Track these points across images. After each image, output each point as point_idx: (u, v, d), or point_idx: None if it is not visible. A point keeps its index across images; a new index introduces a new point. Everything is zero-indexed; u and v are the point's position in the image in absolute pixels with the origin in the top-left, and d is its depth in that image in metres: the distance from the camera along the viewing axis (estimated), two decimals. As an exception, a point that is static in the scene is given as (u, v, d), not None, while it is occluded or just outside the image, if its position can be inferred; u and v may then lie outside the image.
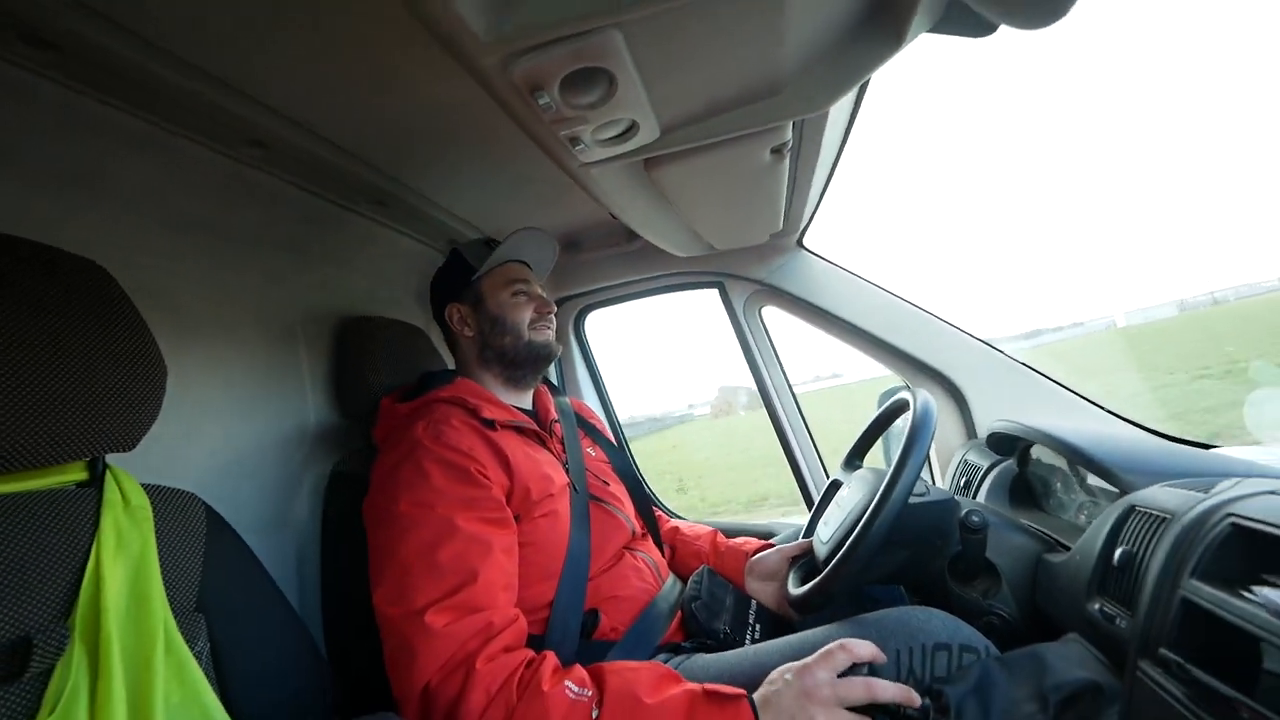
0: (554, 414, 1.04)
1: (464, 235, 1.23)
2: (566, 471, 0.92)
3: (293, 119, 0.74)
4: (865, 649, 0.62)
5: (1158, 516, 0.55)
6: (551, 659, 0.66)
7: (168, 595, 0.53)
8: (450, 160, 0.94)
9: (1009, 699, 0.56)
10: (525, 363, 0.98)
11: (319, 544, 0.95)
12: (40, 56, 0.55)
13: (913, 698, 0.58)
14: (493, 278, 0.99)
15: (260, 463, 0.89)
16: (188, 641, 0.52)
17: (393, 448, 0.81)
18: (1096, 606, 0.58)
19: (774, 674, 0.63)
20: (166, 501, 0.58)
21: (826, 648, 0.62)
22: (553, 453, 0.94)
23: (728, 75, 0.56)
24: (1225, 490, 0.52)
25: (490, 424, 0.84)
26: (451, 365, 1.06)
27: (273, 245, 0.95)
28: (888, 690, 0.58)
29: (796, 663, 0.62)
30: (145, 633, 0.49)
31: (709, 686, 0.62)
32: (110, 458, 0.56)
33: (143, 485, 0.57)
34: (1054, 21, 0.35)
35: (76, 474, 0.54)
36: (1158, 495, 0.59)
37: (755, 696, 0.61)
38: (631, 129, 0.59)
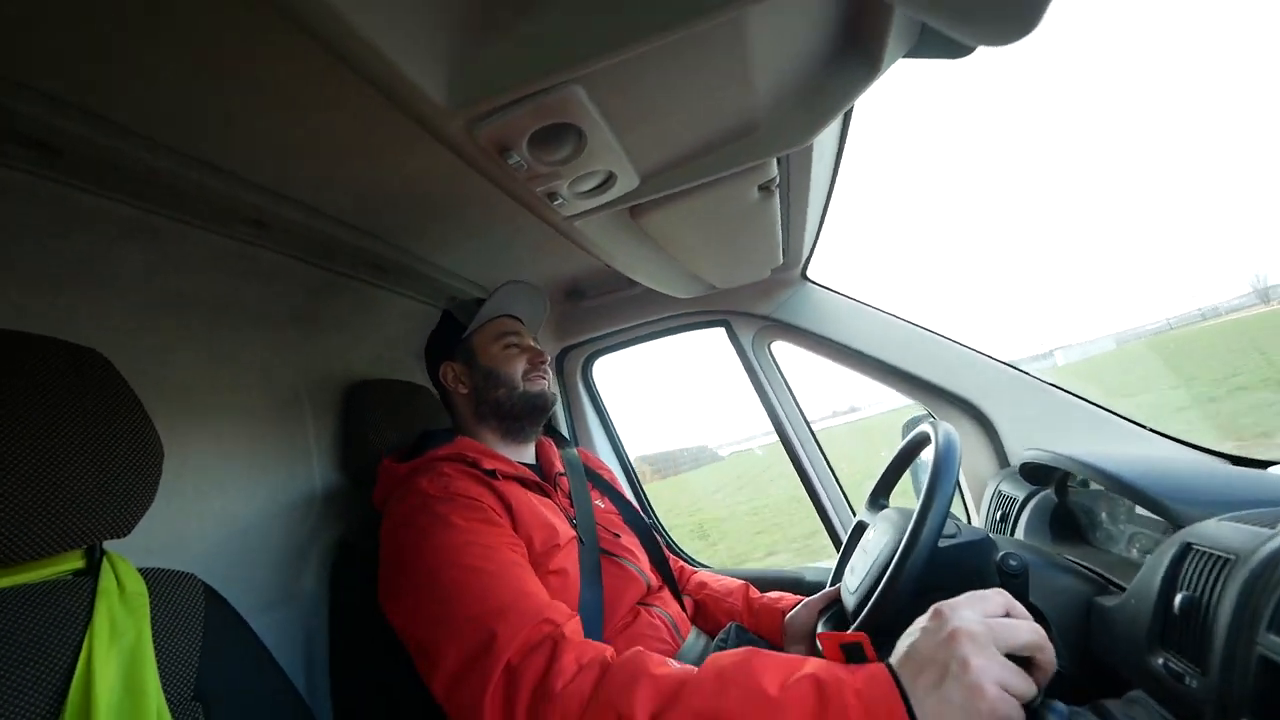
0: (559, 467, 1.01)
1: (464, 292, 1.24)
2: (573, 525, 0.89)
3: (287, 196, 0.76)
4: (1020, 608, 0.50)
5: (1220, 558, 0.49)
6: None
7: (163, 684, 0.51)
8: (445, 222, 0.95)
9: None
10: (522, 414, 0.96)
11: (327, 618, 0.92)
12: (39, 159, 0.57)
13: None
14: (483, 333, 0.99)
15: (266, 536, 0.87)
16: None
17: (398, 504, 0.79)
18: (1161, 662, 0.51)
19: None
20: (163, 585, 0.57)
21: (979, 592, 0.50)
22: (559, 506, 0.91)
23: (700, 119, 0.56)
24: (1295, 523, 0.46)
25: (492, 474, 0.83)
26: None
27: (274, 318, 0.96)
28: (1050, 652, 0.46)
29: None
30: None
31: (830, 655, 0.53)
32: (111, 544, 0.55)
33: (140, 570, 0.57)
34: (1026, 34, 0.33)
35: (73, 563, 0.53)
36: (1217, 531, 0.53)
37: (892, 660, 0.50)
38: (609, 180, 0.59)
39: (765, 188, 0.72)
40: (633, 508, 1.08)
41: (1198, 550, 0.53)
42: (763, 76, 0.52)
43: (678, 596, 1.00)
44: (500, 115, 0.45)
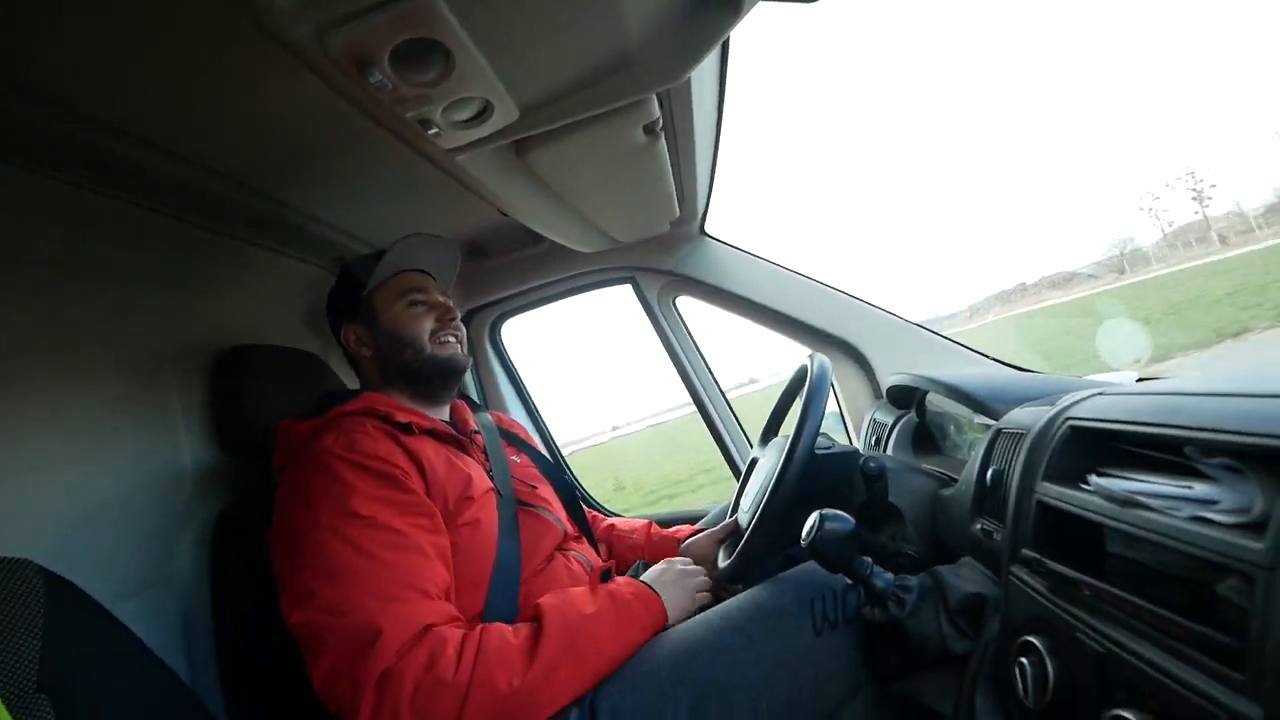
0: (474, 425, 1.00)
1: (356, 251, 1.17)
2: (491, 477, 0.89)
3: (137, 135, 0.66)
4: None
5: (1017, 434, 0.60)
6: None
7: None
8: (325, 168, 0.88)
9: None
10: (432, 378, 0.92)
11: (210, 601, 0.86)
12: None
13: None
14: (385, 291, 0.93)
15: (124, 518, 0.79)
16: None
17: (298, 464, 0.74)
18: (978, 527, 0.62)
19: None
20: None
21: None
22: (474, 460, 0.90)
23: (574, 49, 0.56)
24: (1066, 400, 0.56)
25: (407, 428, 0.79)
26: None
27: (129, 279, 0.85)
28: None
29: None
30: None
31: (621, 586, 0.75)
32: None
33: None
34: None
35: None
36: (1017, 415, 0.65)
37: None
38: (487, 109, 0.58)
39: (650, 130, 0.74)
40: (548, 460, 1.09)
41: (1004, 432, 0.64)
42: (632, 10, 0.54)
43: (593, 542, 1.04)
44: (354, 24, 0.43)
